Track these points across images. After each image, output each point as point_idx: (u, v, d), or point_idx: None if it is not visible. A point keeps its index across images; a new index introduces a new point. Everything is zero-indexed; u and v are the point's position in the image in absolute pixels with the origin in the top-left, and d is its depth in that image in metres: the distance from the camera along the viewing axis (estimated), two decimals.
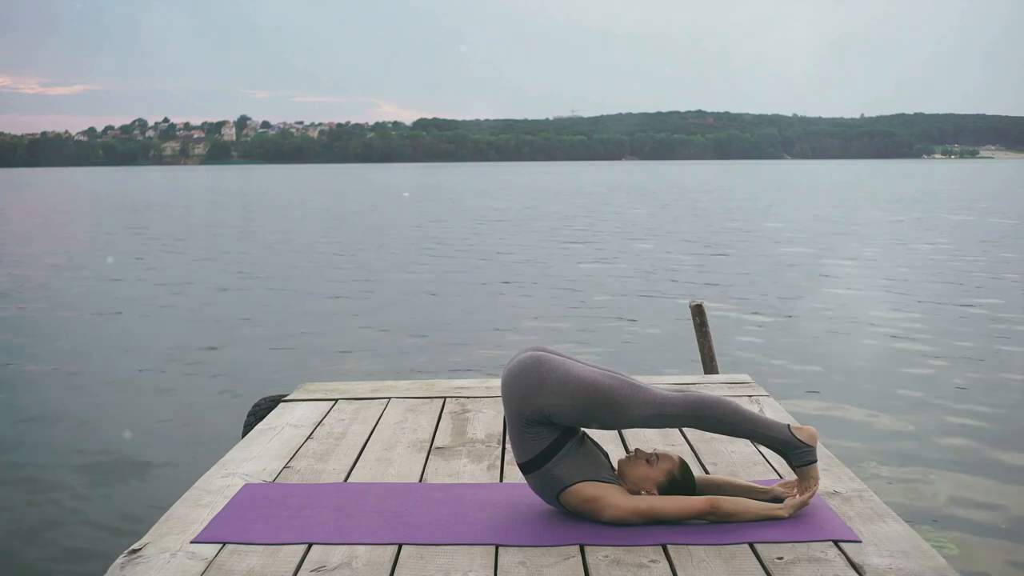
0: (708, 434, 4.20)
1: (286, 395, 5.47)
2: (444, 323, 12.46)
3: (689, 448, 4.26)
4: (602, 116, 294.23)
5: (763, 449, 4.10)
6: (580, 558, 3.02)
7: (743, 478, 3.65)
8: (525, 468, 3.32)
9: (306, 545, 3.16)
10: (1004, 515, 5.72)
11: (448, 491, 3.70)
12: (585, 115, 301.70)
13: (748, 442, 4.11)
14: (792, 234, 25.91)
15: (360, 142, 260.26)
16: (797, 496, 3.33)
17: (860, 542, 3.10)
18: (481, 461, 4.14)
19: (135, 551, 3.12)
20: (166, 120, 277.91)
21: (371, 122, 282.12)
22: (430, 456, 4.23)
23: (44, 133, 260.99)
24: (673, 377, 6.00)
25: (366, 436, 4.56)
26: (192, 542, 3.19)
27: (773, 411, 4.85)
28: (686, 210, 38.65)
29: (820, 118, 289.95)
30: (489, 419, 4.83)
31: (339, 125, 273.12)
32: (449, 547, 3.12)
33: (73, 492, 6.31)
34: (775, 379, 8.56)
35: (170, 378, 9.62)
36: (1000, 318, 12.42)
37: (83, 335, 12.18)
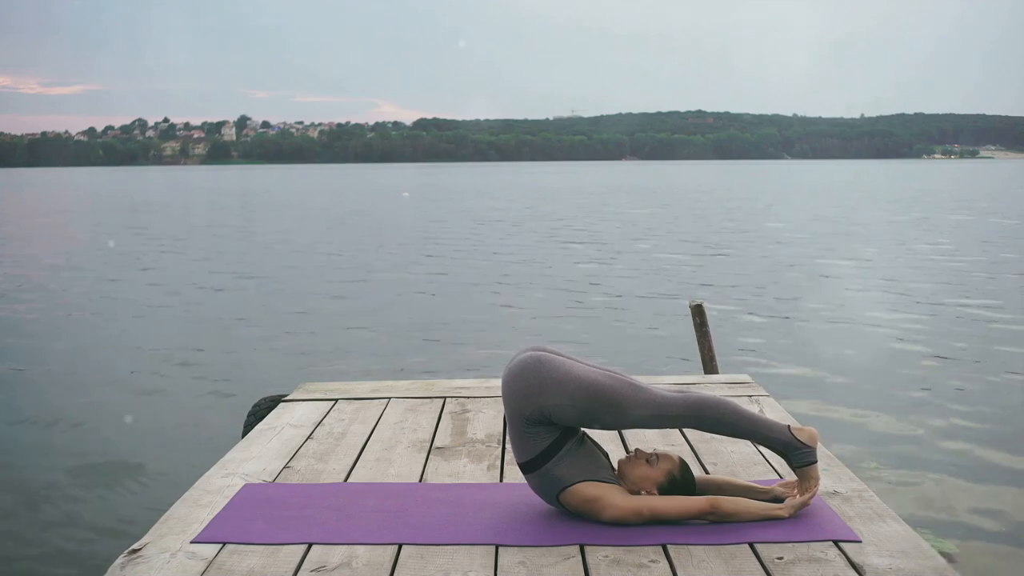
0: (708, 434, 4.20)
1: (286, 395, 5.47)
2: (444, 323, 12.46)
3: (689, 448, 4.26)
4: (602, 116, 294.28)
5: (763, 449, 4.10)
6: (580, 558, 3.02)
7: (743, 478, 3.65)
8: (525, 468, 3.32)
9: (306, 545, 3.16)
10: (1004, 515, 5.72)
11: (448, 491, 3.70)
12: (585, 115, 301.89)
13: (748, 442, 4.11)
14: (792, 234, 25.91)
15: (360, 142, 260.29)
16: (797, 496, 3.33)
17: (860, 542, 3.10)
18: (481, 461, 4.14)
19: (135, 551, 3.12)
20: (166, 120, 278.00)
21: (371, 122, 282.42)
22: (430, 456, 4.23)
23: (44, 133, 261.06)
24: (673, 377, 6.00)
25: (366, 436, 4.56)
26: (192, 542, 3.19)
27: (773, 411, 4.85)
28: (686, 210, 38.66)
29: (820, 118, 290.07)
30: (489, 419, 4.83)
31: (339, 125, 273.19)
32: (449, 547, 3.12)
33: (73, 492, 6.31)
34: (775, 379, 8.56)
35: (170, 378, 9.62)
36: (1000, 319, 12.42)
37: (82, 335, 12.18)
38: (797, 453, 3.35)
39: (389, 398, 5.32)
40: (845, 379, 9.13)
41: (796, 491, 3.36)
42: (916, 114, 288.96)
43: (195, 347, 11.04)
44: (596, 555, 3.03)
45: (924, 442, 7.16)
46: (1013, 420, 7.76)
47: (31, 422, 8.04)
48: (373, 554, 3.08)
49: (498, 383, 4.95)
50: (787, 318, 12.66)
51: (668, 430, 4.45)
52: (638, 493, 3.27)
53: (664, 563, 2.97)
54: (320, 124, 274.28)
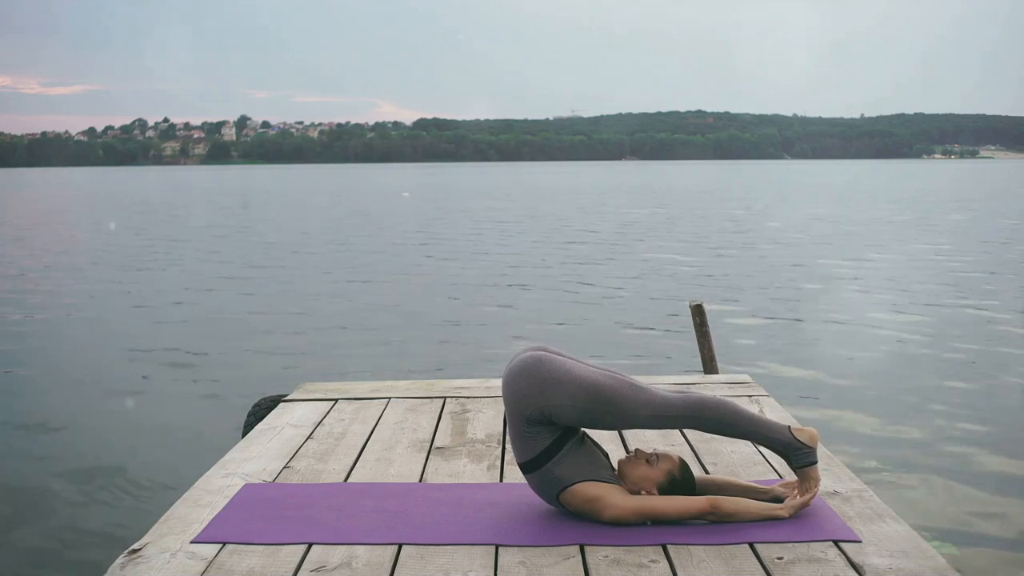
0: (708, 434, 4.20)
1: (286, 395, 5.47)
2: (444, 323, 12.46)
3: (689, 448, 4.26)
4: (602, 116, 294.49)
5: (763, 449, 4.10)
6: (580, 558, 3.02)
7: (743, 478, 3.65)
8: (525, 468, 3.32)
9: (306, 545, 3.16)
10: (1004, 516, 5.71)
11: (448, 491, 3.70)
12: (585, 115, 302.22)
13: (748, 442, 4.11)
14: (792, 234, 25.91)
15: (360, 142, 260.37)
16: (797, 497, 3.33)
17: (860, 542, 3.10)
18: (481, 461, 4.14)
19: (135, 551, 3.12)
20: (166, 120, 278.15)
21: (371, 122, 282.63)
22: (430, 456, 4.23)
23: (44, 133, 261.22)
24: (673, 377, 6.00)
25: (366, 436, 4.56)
26: (192, 542, 3.19)
27: (773, 411, 4.85)
28: (686, 210, 38.65)
29: (820, 118, 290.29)
30: (489, 419, 4.83)
31: (339, 125, 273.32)
32: (449, 547, 3.12)
33: (73, 492, 6.31)
34: (775, 379, 8.56)
35: (170, 378, 9.62)
36: (1001, 319, 12.42)
37: (82, 335, 12.18)
38: (797, 454, 3.35)
39: (389, 398, 5.32)
40: (845, 379, 9.13)
41: (796, 491, 3.36)
42: (916, 114, 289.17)
43: (195, 347, 11.04)
44: (596, 555, 3.03)
45: (924, 441, 7.15)
46: (1013, 421, 7.76)
47: (31, 422, 8.04)
48: (373, 554, 3.08)
49: (498, 383, 4.95)
50: (787, 318, 12.66)
51: (668, 430, 4.45)
52: (638, 493, 3.27)
53: (664, 563, 2.97)
54: (320, 124, 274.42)
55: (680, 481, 3.32)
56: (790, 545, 3.08)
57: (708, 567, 2.92)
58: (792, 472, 3.54)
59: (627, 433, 4.48)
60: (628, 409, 3.26)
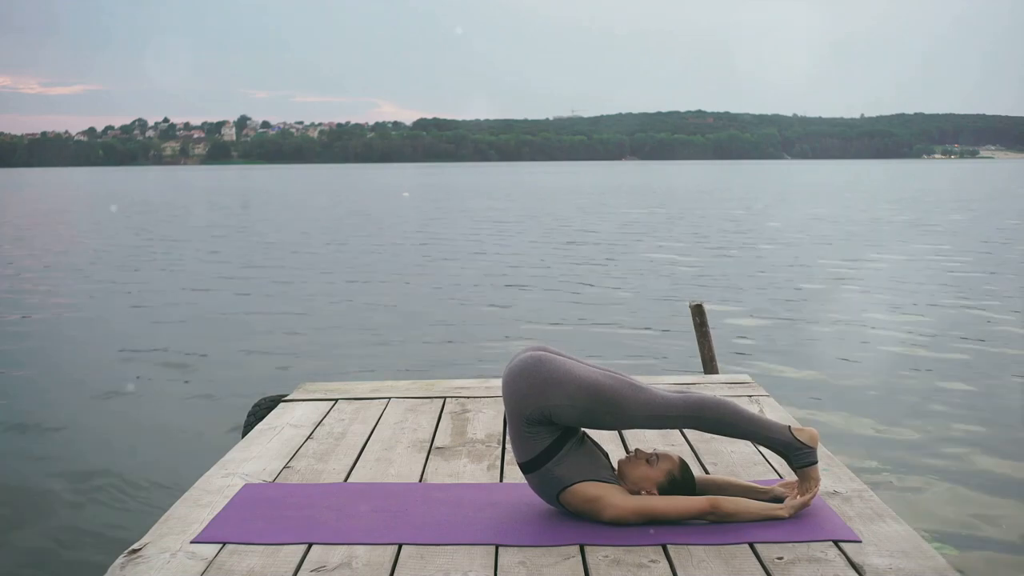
0: (708, 434, 4.20)
1: (286, 395, 5.47)
2: (444, 323, 12.45)
3: (689, 448, 4.26)
4: (602, 116, 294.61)
5: (763, 449, 4.10)
6: (580, 558, 3.02)
7: (743, 478, 3.65)
8: (525, 468, 3.33)
9: (306, 545, 3.16)
10: (1004, 517, 5.71)
11: (448, 491, 3.70)
12: (585, 115, 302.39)
13: (748, 442, 4.11)
14: (792, 234, 25.91)
15: (360, 142, 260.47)
16: (798, 497, 3.33)
17: (860, 542, 3.10)
18: (481, 461, 4.14)
19: (135, 551, 3.12)
20: (166, 120, 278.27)
21: (371, 122, 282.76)
22: (430, 456, 4.23)
23: (44, 133, 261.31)
24: (673, 377, 6.00)
25: (366, 436, 4.56)
26: (192, 542, 3.19)
27: (773, 411, 4.85)
28: (686, 210, 38.65)
29: (820, 118, 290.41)
30: (489, 419, 4.83)
31: (339, 125, 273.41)
32: (449, 547, 3.12)
33: (73, 492, 6.30)
34: (775, 379, 8.55)
35: (170, 378, 9.62)
36: (1001, 320, 12.42)
37: (82, 335, 12.18)
38: (797, 454, 3.35)
39: (389, 398, 5.32)
40: (845, 379, 9.13)
41: (796, 491, 3.36)
42: (916, 114, 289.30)
43: (195, 347, 11.03)
44: (596, 555, 3.03)
45: (924, 442, 7.15)
46: (1014, 422, 7.75)
47: (31, 422, 8.03)
48: (373, 554, 3.08)
49: (498, 383, 4.95)
50: (787, 319, 12.66)
51: (668, 430, 4.45)
52: (638, 493, 3.27)
53: (664, 563, 2.97)
54: (320, 124, 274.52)
55: (680, 481, 3.32)
56: (790, 545, 3.08)
57: (708, 567, 2.92)
58: (792, 472, 3.55)
59: (627, 433, 4.48)
60: (628, 409, 3.26)
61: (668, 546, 3.08)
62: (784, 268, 18.13)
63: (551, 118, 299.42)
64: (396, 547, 3.13)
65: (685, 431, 4.45)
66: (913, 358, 10.09)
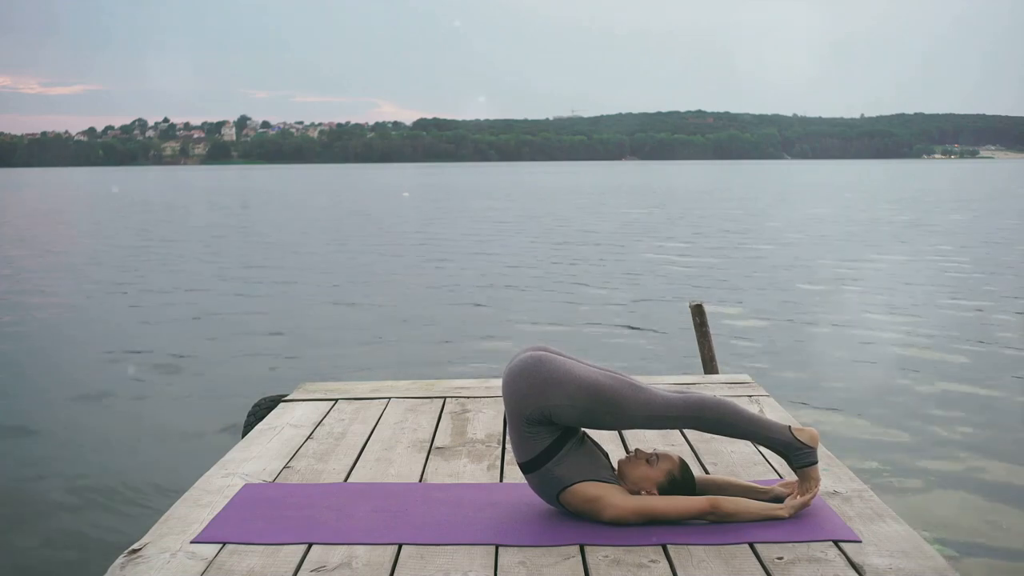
0: (708, 434, 4.20)
1: (286, 395, 5.46)
2: (444, 323, 12.46)
3: (689, 448, 4.25)
4: (602, 116, 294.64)
5: (763, 449, 4.10)
6: (580, 558, 3.02)
7: (743, 478, 3.65)
8: (525, 468, 3.32)
9: (306, 545, 3.16)
10: (1004, 518, 5.71)
11: (448, 491, 3.70)
12: (585, 115, 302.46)
13: (748, 442, 4.11)
14: (792, 234, 25.91)
15: (360, 142, 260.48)
16: (798, 497, 3.33)
17: (860, 542, 3.10)
18: (481, 461, 4.14)
19: (135, 551, 3.12)
20: (166, 120, 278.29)
21: (371, 122, 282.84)
22: (430, 456, 4.23)
23: (44, 133, 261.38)
24: (673, 377, 6.00)
25: (366, 436, 4.56)
26: (192, 542, 3.18)
27: (773, 411, 4.85)
28: (686, 210, 38.65)
29: (820, 118, 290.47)
30: (489, 419, 4.83)
31: (339, 125, 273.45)
32: (449, 547, 3.12)
33: (73, 492, 6.30)
34: (775, 379, 8.55)
35: (170, 378, 9.62)
36: (1001, 320, 12.42)
37: (81, 335, 12.18)
38: (798, 454, 3.35)
39: (389, 398, 5.31)
40: (845, 379, 9.13)
41: (796, 491, 3.36)
42: (916, 114, 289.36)
43: (195, 347, 11.04)
44: (596, 555, 3.03)
45: (924, 443, 7.15)
46: (1014, 423, 7.75)
47: (30, 423, 8.04)
48: (373, 554, 3.08)
49: (498, 383, 4.95)
50: (787, 319, 12.66)
51: (668, 430, 4.44)
52: (638, 493, 3.27)
53: (664, 563, 2.97)
54: (320, 124, 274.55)
55: (680, 481, 3.32)
56: (790, 545, 3.08)
57: (708, 567, 2.92)
58: (792, 472, 3.54)
59: (627, 433, 4.48)
60: (628, 409, 3.26)
61: (668, 546, 3.08)
62: (784, 268, 18.13)
63: (551, 118, 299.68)
64: (396, 547, 3.13)
65: (685, 431, 4.45)
66: (913, 358, 10.09)
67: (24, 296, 15.57)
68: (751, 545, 3.08)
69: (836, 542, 3.10)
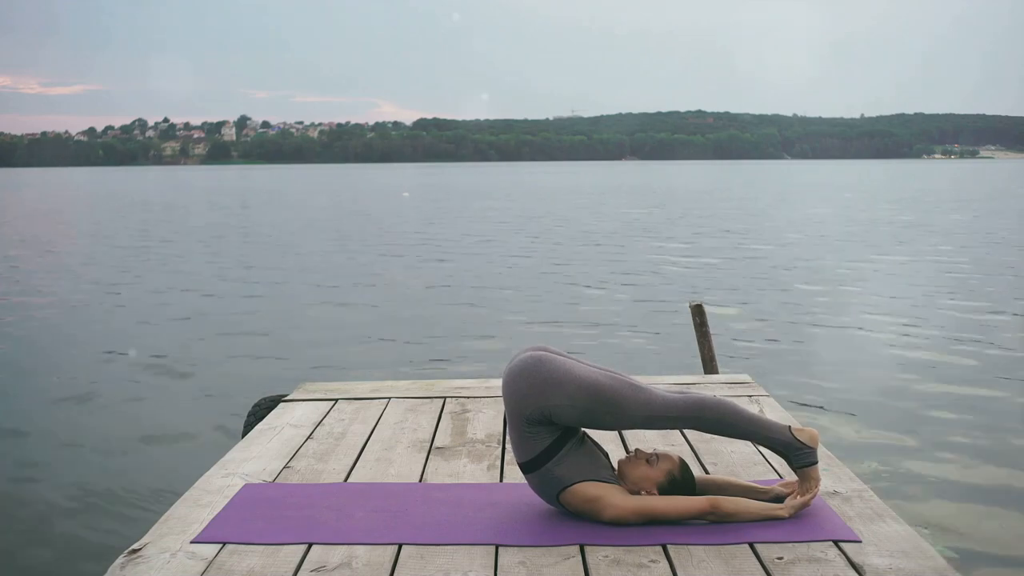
0: (708, 434, 4.20)
1: (286, 395, 5.46)
2: (444, 323, 12.45)
3: (689, 448, 4.26)
4: (602, 116, 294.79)
5: (763, 449, 4.10)
6: (580, 558, 3.02)
7: (743, 478, 3.65)
8: (525, 468, 3.32)
9: (306, 545, 3.16)
10: (1004, 518, 5.71)
11: (448, 491, 3.70)
12: (585, 115, 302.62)
13: (748, 442, 4.11)
14: (792, 234, 25.91)
15: (360, 142, 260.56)
16: (798, 497, 3.33)
17: (860, 542, 3.10)
18: (481, 461, 4.14)
19: (135, 551, 3.12)
20: (166, 120, 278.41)
21: (371, 122, 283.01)
22: (430, 456, 4.23)
23: (44, 133, 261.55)
24: (673, 377, 5.99)
25: (366, 436, 4.56)
26: (192, 542, 3.19)
27: (773, 411, 4.85)
28: (686, 210, 38.65)
29: (820, 118, 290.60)
30: (489, 419, 4.83)
31: (339, 125, 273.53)
32: (449, 547, 3.12)
33: (73, 492, 6.30)
34: (775, 379, 8.55)
35: (170, 378, 9.62)
36: (1001, 321, 12.42)
37: (81, 336, 12.18)
38: (798, 454, 3.35)
39: (389, 398, 5.31)
40: (845, 379, 9.12)
41: (796, 491, 3.36)
42: (916, 114, 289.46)
43: (195, 347, 11.04)
44: (596, 555, 3.03)
45: (924, 443, 7.14)
46: (1014, 423, 7.75)
47: (30, 423, 8.04)
48: (373, 554, 3.08)
49: (498, 383, 4.95)
50: (787, 319, 12.65)
51: (668, 430, 4.44)
52: (638, 493, 3.27)
53: (664, 563, 2.97)
54: (320, 124, 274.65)
55: (680, 481, 3.32)
56: (790, 545, 3.08)
57: (708, 567, 2.92)
58: (792, 472, 3.54)
59: (627, 433, 4.47)
60: (628, 409, 3.26)
61: (668, 546, 3.08)
62: (784, 268, 18.13)
63: (551, 118, 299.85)
64: (396, 547, 3.13)
65: (685, 431, 4.45)
66: (913, 358, 10.09)
67: (24, 296, 15.56)
68: (751, 545, 3.08)
69: (836, 542, 3.10)
